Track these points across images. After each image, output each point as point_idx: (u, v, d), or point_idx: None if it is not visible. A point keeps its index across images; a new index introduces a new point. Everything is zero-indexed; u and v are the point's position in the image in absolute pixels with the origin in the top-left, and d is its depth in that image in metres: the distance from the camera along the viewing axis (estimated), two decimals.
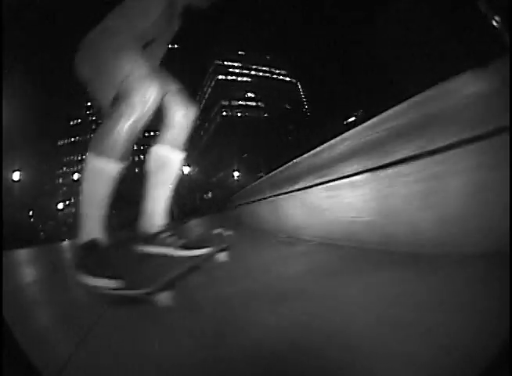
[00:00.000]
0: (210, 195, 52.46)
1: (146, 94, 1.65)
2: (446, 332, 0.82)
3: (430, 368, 0.73)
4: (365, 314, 1.02)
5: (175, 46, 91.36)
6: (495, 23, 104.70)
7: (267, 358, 0.87)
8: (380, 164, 1.60)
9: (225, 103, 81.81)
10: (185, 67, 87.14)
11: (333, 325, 0.98)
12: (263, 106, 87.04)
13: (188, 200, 41.42)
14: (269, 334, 1.00)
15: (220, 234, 3.18)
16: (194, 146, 74.69)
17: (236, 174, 52.53)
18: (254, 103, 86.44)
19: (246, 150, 59.59)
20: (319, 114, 77.39)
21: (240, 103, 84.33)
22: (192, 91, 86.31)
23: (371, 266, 1.47)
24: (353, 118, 78.95)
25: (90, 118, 70.06)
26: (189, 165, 45.65)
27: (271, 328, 1.05)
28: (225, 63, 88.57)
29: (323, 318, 1.04)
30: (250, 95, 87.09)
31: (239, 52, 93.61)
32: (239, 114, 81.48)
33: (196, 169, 50.91)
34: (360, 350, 0.81)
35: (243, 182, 51.68)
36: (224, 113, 79.72)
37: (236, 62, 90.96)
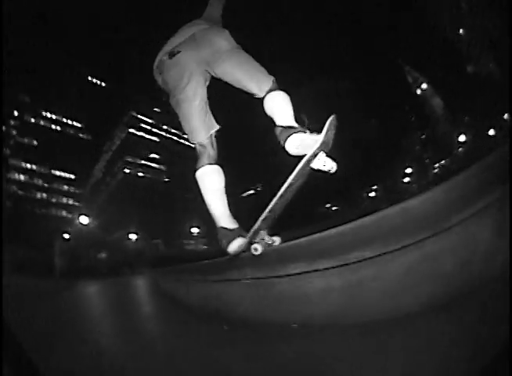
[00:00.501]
0: (103, 255, 52.09)
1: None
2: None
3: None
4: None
5: (102, 84, 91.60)
6: (425, 86, 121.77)
7: None
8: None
9: (130, 159, 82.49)
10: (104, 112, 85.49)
11: None
12: (164, 169, 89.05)
13: (82, 257, 39.19)
14: None
15: None
16: (94, 199, 74.08)
17: (132, 237, 51.85)
18: (156, 165, 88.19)
19: (144, 213, 60.71)
20: None
21: (144, 162, 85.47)
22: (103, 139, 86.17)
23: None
24: (252, 191, 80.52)
25: None
26: (87, 215, 45.00)
27: None
28: (140, 116, 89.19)
29: None
30: (154, 156, 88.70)
31: (155, 109, 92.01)
32: (140, 174, 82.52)
33: (95, 223, 49.60)
34: None
35: (139, 246, 51.15)
36: (126, 171, 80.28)
37: (150, 118, 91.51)
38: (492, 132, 61.14)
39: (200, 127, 2.68)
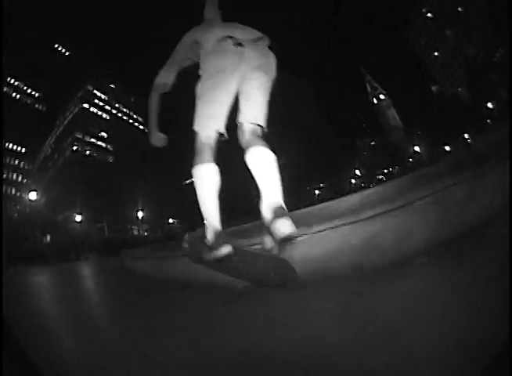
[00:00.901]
0: (48, 238, 48.01)
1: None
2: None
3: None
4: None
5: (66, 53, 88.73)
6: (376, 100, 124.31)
7: None
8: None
9: (79, 136, 79.99)
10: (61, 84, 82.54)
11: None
12: (111, 149, 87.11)
13: (28, 238, 37.48)
14: None
15: None
16: (43, 175, 71.25)
17: (77, 218, 51.42)
18: (104, 144, 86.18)
19: (87, 193, 58.78)
20: (160, 171, 78.85)
21: (92, 140, 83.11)
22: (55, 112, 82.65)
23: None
24: (190, 180, 78.18)
25: None
26: (35, 190, 41.52)
27: None
28: (95, 92, 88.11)
29: None
30: (103, 134, 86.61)
31: (111, 85, 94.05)
32: (87, 152, 79.85)
33: (43, 200, 47.01)
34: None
35: (84, 228, 51.37)
36: (74, 148, 77.70)
37: (105, 94, 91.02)
38: (447, 148, 65.30)
39: (221, 117, 2.55)
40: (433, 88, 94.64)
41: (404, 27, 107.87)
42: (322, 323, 1.78)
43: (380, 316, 1.61)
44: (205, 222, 2.50)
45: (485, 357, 0.96)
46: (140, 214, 63.56)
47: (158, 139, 3.00)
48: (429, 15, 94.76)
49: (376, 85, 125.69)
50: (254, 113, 2.62)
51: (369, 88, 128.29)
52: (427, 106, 74.68)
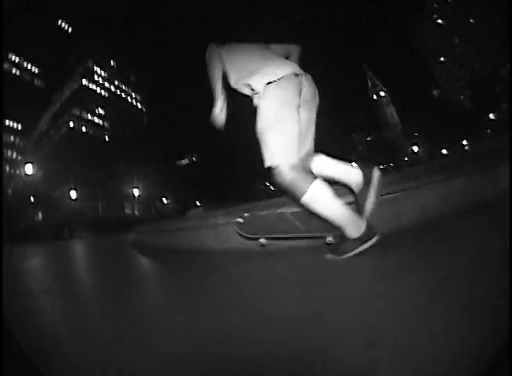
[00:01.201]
0: (40, 216, 47.49)
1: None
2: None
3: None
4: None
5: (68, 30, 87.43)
6: (376, 96, 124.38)
7: None
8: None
9: (77, 112, 78.99)
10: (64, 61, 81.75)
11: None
12: (107, 127, 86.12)
13: (22, 217, 36.72)
14: None
15: None
16: (38, 152, 69.65)
17: (72, 195, 50.05)
18: (100, 122, 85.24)
19: (82, 171, 59.13)
20: (156, 150, 77.64)
21: (89, 117, 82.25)
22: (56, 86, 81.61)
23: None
24: (186, 160, 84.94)
25: None
26: (31, 163, 39.63)
27: None
28: (95, 68, 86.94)
29: None
30: (100, 111, 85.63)
31: (111, 62, 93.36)
32: (83, 129, 78.95)
33: (37, 176, 44.41)
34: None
35: (79, 206, 50.43)
36: (71, 125, 76.47)
37: (105, 71, 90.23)
38: (444, 152, 65.80)
39: (297, 146, 2.45)
40: (435, 92, 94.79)
41: (412, 30, 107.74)
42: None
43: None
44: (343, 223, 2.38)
45: (485, 357, 0.93)
46: (135, 193, 62.50)
47: (221, 118, 2.82)
48: (439, 21, 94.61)
49: (377, 82, 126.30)
50: (307, 150, 2.74)
51: (369, 84, 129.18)
52: (430, 110, 74.68)
